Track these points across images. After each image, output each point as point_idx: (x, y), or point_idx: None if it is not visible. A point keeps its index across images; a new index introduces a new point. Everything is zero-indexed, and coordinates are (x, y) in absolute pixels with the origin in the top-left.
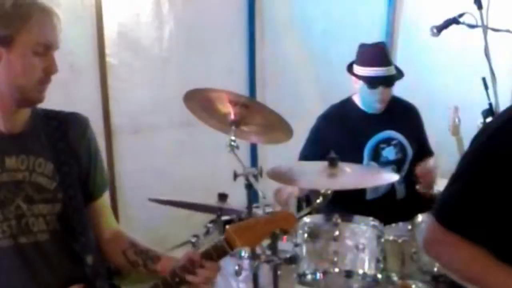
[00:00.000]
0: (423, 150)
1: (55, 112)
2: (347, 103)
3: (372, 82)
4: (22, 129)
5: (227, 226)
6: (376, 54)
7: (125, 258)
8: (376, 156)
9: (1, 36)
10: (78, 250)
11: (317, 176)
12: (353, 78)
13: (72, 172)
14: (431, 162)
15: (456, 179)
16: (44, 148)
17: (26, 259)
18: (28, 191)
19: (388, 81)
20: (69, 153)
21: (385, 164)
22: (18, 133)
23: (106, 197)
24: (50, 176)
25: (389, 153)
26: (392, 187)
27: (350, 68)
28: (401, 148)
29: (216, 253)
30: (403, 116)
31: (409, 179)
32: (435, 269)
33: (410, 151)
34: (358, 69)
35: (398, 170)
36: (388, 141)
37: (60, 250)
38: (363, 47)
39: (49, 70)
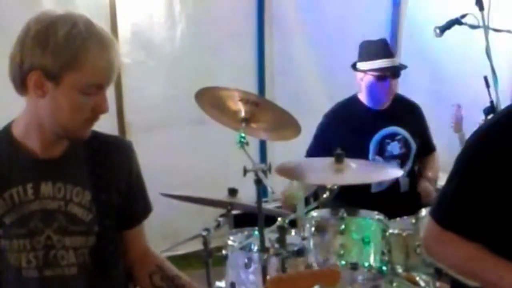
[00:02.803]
0: (426, 145)
1: (96, 133)
2: (352, 100)
3: (381, 74)
4: (60, 153)
5: (268, 277)
6: (381, 47)
7: (151, 282)
8: (381, 150)
9: (49, 69)
10: (107, 285)
11: (324, 172)
12: (358, 76)
13: (109, 200)
14: (429, 178)
15: (450, 179)
16: (83, 174)
17: None
18: (61, 222)
19: (395, 72)
20: (108, 179)
21: (390, 158)
22: (57, 158)
23: (143, 223)
24: (87, 207)
25: (394, 147)
26: (396, 180)
27: (355, 67)
28: (405, 143)
29: None
30: (406, 113)
31: (413, 173)
32: None
33: (413, 146)
34: (365, 64)
35: (402, 164)
36: (392, 137)
37: (88, 285)
38: (366, 43)
39: (99, 110)
